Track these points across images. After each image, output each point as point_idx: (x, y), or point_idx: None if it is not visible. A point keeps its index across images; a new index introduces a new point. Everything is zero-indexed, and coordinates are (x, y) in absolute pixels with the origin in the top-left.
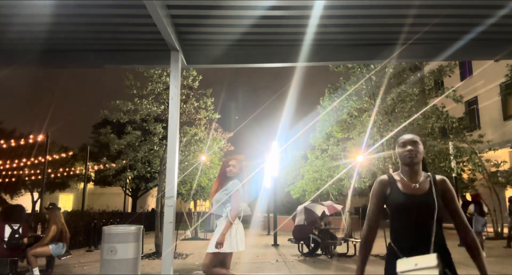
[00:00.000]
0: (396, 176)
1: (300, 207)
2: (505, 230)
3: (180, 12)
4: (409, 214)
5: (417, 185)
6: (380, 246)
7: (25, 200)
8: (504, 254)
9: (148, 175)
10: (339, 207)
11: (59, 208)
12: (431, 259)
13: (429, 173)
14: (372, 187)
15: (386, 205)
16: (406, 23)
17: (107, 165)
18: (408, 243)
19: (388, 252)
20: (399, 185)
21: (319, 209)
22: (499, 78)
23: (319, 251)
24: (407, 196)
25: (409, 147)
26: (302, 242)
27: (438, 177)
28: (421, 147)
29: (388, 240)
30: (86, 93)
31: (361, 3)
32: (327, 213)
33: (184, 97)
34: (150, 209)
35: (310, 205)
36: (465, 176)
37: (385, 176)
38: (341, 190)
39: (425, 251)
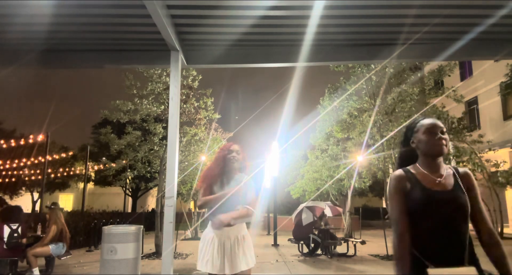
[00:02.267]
0: (413, 170)
1: (300, 207)
2: (505, 230)
3: (180, 12)
4: (437, 214)
5: (442, 180)
6: (380, 246)
7: (25, 200)
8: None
9: (148, 175)
10: (339, 209)
11: (61, 208)
12: (472, 273)
13: (449, 165)
14: (388, 186)
15: (407, 204)
16: (406, 23)
17: (107, 165)
18: (438, 250)
19: (411, 261)
20: (421, 180)
21: (319, 208)
22: (499, 78)
23: (319, 251)
24: (432, 193)
25: (439, 135)
26: (302, 242)
27: (461, 170)
28: (447, 134)
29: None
30: (86, 93)
31: (361, 3)
32: (331, 214)
33: (184, 97)
34: (150, 209)
35: (310, 207)
36: None
37: (400, 171)
38: (341, 190)
39: (459, 260)
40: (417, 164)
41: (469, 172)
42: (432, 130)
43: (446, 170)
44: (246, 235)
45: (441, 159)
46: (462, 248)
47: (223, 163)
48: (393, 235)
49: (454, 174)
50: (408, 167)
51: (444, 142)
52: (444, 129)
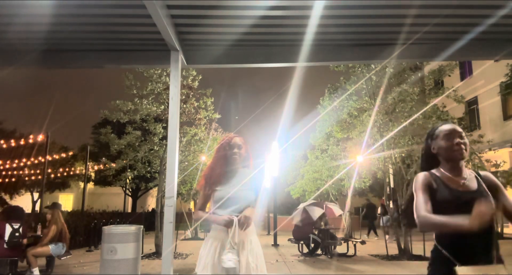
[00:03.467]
0: (438, 173)
1: (300, 207)
2: (506, 230)
3: (180, 12)
4: (463, 214)
5: (466, 182)
6: (380, 246)
7: (25, 200)
8: (503, 254)
9: (148, 175)
10: (338, 212)
11: (61, 211)
12: (501, 271)
13: (470, 170)
14: (414, 181)
15: (432, 204)
16: (406, 23)
17: (107, 165)
18: (465, 249)
19: (434, 257)
20: (445, 181)
21: (317, 212)
22: (499, 78)
23: (319, 251)
24: (458, 193)
25: (458, 140)
26: (302, 242)
27: (482, 172)
28: (466, 139)
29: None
30: (86, 93)
31: (361, 3)
32: (326, 216)
33: (184, 97)
34: (150, 209)
35: (310, 207)
36: None
37: (425, 173)
38: (341, 190)
39: (486, 260)
40: (441, 169)
41: (489, 174)
42: (450, 135)
43: (469, 173)
44: (254, 240)
45: (462, 163)
46: (488, 247)
47: (225, 163)
48: (417, 214)
49: (476, 177)
50: (432, 171)
51: (463, 146)
52: (463, 134)
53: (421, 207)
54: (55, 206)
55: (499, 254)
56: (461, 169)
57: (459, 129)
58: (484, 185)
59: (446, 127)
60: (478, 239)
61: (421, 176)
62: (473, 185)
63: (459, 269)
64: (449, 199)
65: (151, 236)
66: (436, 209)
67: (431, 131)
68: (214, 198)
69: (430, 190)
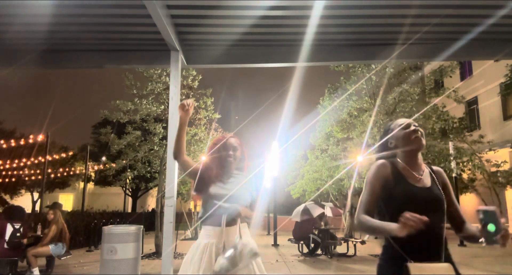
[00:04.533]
0: (398, 165)
1: (299, 207)
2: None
3: (180, 12)
4: (417, 210)
5: (422, 177)
6: (380, 246)
7: (25, 200)
8: (504, 254)
9: (148, 175)
10: (340, 211)
11: (61, 211)
12: (449, 270)
13: (424, 164)
14: (369, 172)
15: (388, 197)
16: (406, 23)
17: (107, 165)
18: (417, 245)
19: (386, 253)
20: (404, 175)
21: (318, 210)
22: (499, 78)
23: (319, 251)
24: (415, 189)
25: (414, 128)
26: (302, 242)
27: (434, 168)
28: (422, 129)
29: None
30: (86, 93)
31: (361, 3)
32: (330, 214)
33: (184, 97)
34: (150, 209)
35: (310, 206)
36: (465, 176)
37: (385, 161)
38: (341, 190)
39: (436, 256)
40: (398, 160)
41: (441, 170)
42: (406, 126)
43: (424, 168)
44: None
45: (420, 156)
46: (439, 244)
47: (219, 164)
48: (356, 214)
49: (430, 172)
50: (393, 161)
51: (419, 133)
52: (417, 124)
53: (362, 207)
54: (56, 206)
55: (447, 253)
56: (418, 164)
57: (414, 122)
58: (437, 181)
59: (401, 120)
60: (431, 237)
61: (378, 166)
62: (428, 180)
63: (411, 265)
64: (406, 194)
65: (151, 236)
66: (391, 204)
67: (386, 127)
68: (208, 199)
69: (384, 183)
